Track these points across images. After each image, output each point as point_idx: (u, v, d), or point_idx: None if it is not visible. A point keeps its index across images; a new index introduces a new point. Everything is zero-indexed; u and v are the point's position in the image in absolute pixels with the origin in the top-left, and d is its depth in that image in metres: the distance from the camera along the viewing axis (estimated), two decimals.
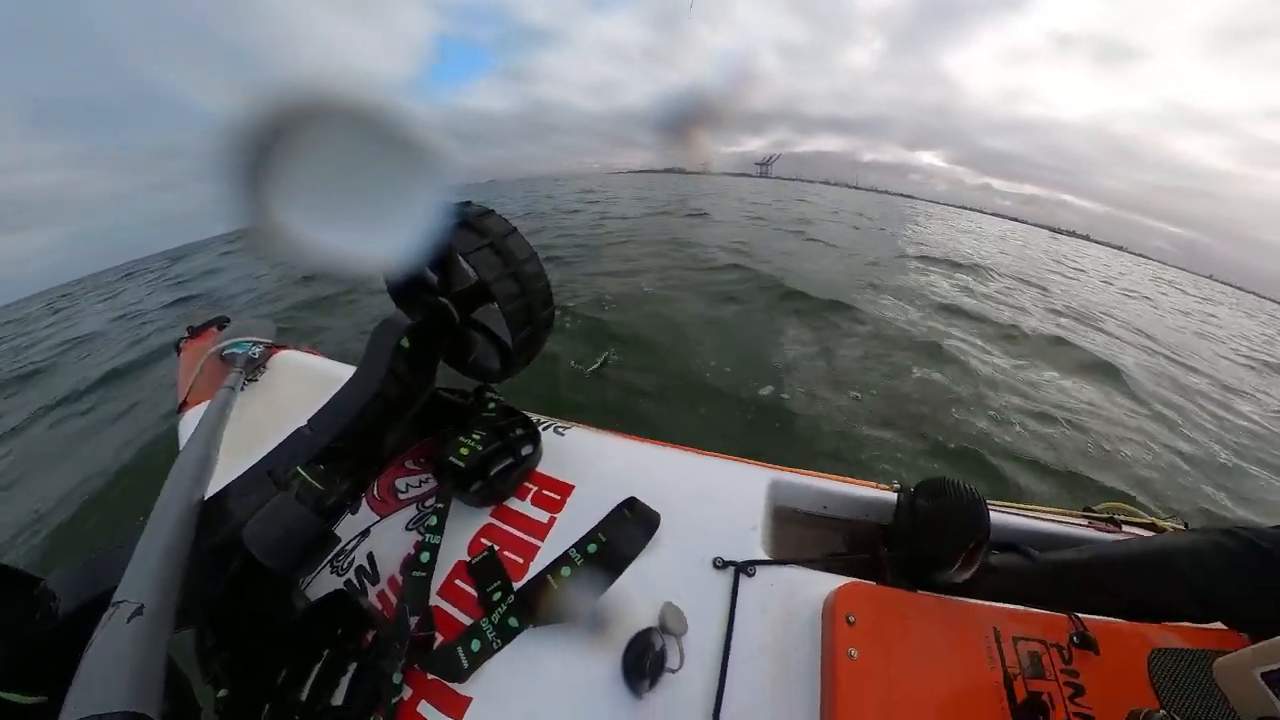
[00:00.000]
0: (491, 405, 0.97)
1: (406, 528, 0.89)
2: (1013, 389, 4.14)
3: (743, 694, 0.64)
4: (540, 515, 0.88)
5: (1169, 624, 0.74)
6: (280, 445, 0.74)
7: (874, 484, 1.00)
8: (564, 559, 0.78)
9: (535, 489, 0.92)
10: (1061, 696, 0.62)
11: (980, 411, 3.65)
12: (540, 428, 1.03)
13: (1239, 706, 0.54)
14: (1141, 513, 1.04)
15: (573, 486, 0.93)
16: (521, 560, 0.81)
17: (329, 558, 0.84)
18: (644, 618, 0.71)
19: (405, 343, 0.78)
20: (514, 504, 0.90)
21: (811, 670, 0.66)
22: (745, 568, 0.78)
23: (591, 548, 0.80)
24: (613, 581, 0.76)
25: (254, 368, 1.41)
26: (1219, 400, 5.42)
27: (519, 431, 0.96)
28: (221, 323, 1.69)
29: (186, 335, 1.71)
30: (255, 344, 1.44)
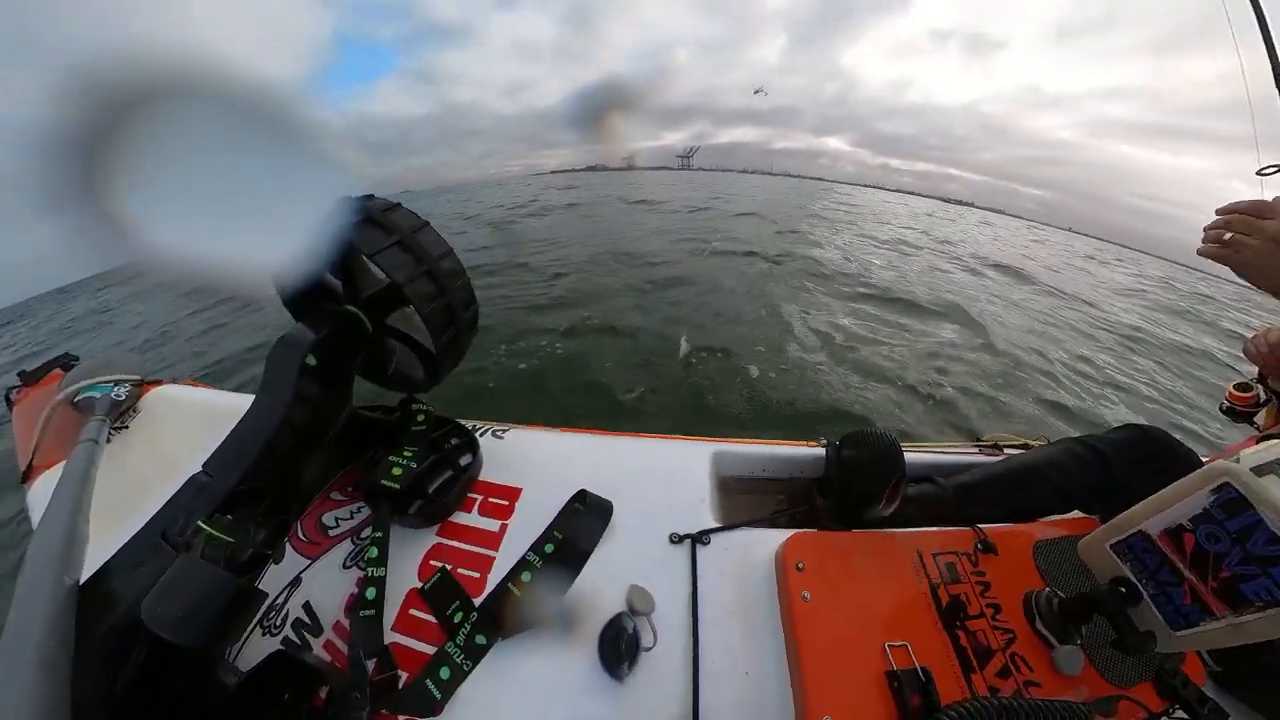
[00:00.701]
0: (421, 417, 0.91)
1: (344, 566, 0.82)
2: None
3: (716, 655, 0.68)
4: (490, 525, 0.85)
5: (1045, 520, 0.90)
6: (171, 501, 0.63)
7: (804, 443, 1.08)
8: (523, 564, 0.77)
9: (481, 499, 0.89)
10: (975, 593, 0.73)
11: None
12: (477, 433, 0.99)
13: (1097, 573, 0.67)
14: (1016, 437, 1.24)
15: (520, 490, 0.90)
16: (478, 575, 0.78)
17: (257, 618, 0.75)
18: (612, 604, 0.72)
19: (312, 360, 0.69)
20: (460, 518, 0.86)
21: (773, 619, 0.72)
22: (700, 538, 0.81)
23: (549, 548, 0.79)
24: (575, 577, 0.76)
25: (121, 412, 1.16)
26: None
27: (454, 441, 0.91)
28: (67, 362, 1.34)
29: (20, 384, 1.34)
30: (118, 382, 1.17)
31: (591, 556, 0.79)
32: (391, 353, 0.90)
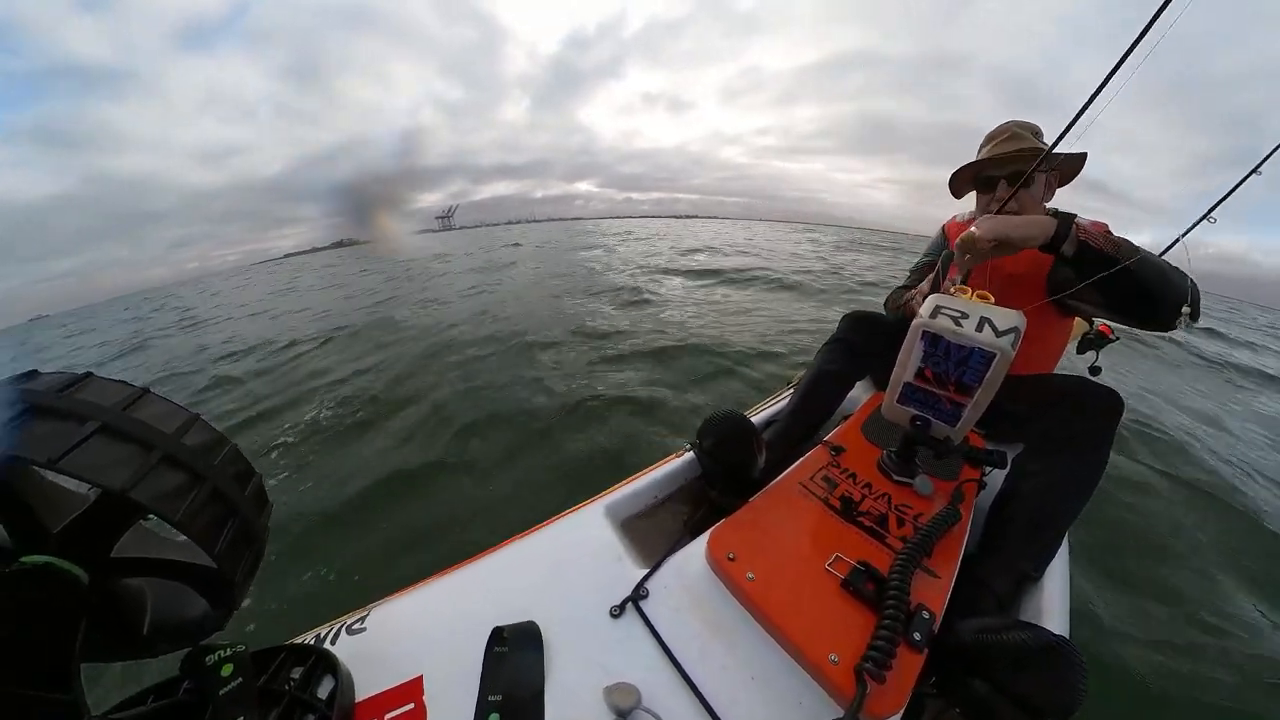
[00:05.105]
0: (227, 669, 0.60)
1: None
2: None
3: (719, 685, 0.64)
4: None
5: (857, 409, 1.16)
6: None
7: (674, 455, 1.15)
8: None
9: None
10: (851, 485, 0.89)
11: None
12: (325, 643, 0.73)
13: (899, 422, 0.90)
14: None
15: (420, 677, 0.70)
16: None
17: None
18: None
19: None
20: None
21: (741, 615, 0.71)
22: (637, 595, 0.77)
23: (494, 719, 0.62)
24: None
25: None
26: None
27: (296, 672, 0.65)
28: None
29: None
30: None
31: (546, 690, 0.65)
32: (138, 599, 0.58)
